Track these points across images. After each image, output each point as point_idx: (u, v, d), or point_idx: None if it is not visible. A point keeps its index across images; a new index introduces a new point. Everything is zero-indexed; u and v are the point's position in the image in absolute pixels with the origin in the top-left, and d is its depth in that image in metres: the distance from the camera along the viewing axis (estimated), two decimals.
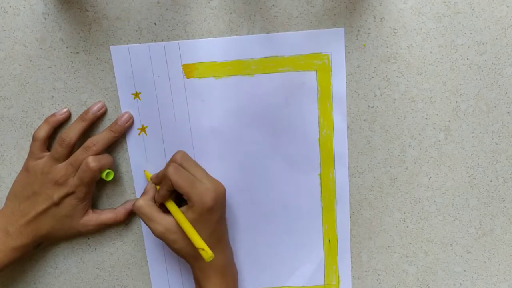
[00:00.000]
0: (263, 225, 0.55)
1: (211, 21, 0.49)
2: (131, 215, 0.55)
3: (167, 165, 0.50)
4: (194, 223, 0.49)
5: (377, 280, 0.57)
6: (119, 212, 0.54)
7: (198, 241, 0.48)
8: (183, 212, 0.49)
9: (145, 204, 0.50)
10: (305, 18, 0.49)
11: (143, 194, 0.52)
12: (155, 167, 0.54)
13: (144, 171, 0.54)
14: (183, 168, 0.50)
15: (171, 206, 0.50)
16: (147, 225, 0.50)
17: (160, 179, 0.51)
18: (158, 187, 0.51)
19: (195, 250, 0.49)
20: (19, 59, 0.51)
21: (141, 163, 0.54)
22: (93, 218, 0.53)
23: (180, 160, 0.50)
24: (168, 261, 0.56)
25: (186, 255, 0.51)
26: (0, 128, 0.53)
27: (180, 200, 0.51)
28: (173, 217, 0.50)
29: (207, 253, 0.47)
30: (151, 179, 0.52)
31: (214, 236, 0.50)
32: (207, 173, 0.52)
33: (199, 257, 0.50)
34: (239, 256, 0.56)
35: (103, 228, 0.55)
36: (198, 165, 0.52)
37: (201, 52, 0.50)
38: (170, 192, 0.50)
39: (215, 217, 0.50)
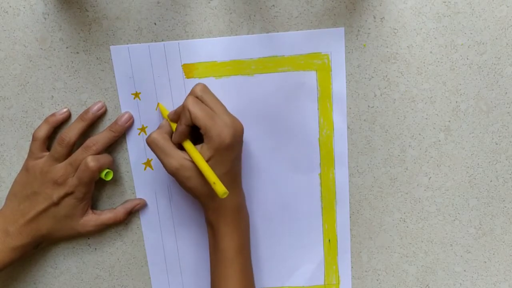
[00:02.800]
0: (263, 225, 0.55)
1: (211, 21, 0.49)
2: (131, 215, 0.55)
3: (186, 97, 0.48)
4: (209, 161, 0.47)
5: (377, 280, 0.57)
6: (119, 212, 0.54)
7: (212, 176, 0.46)
8: (198, 150, 0.47)
9: (161, 137, 0.48)
10: (305, 18, 0.49)
11: (158, 128, 0.49)
12: (155, 166, 0.54)
13: (159, 103, 0.51)
14: (202, 101, 0.48)
15: (187, 143, 0.48)
16: (160, 159, 0.48)
17: (178, 115, 0.49)
18: (174, 126, 0.49)
19: (209, 189, 0.47)
20: (19, 59, 0.51)
21: (141, 163, 0.54)
22: (92, 218, 0.53)
23: (200, 93, 0.48)
24: (168, 261, 0.56)
25: (199, 194, 0.49)
26: (0, 128, 0.53)
27: (194, 142, 0.49)
28: (188, 154, 0.47)
29: (221, 188, 0.45)
30: (168, 116, 0.50)
31: (229, 175, 0.48)
32: (226, 109, 0.49)
33: (213, 196, 0.48)
34: None
35: (103, 229, 0.55)
36: (217, 99, 0.49)
37: (201, 52, 0.50)
38: (188, 128, 0.47)
39: (231, 155, 0.48)
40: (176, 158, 0.47)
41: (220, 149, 0.46)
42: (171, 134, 0.49)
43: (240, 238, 0.50)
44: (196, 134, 0.49)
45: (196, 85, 0.49)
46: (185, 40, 0.50)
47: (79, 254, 0.57)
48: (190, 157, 0.47)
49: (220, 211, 0.49)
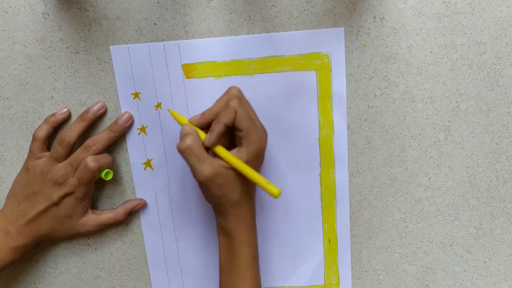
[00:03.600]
0: (263, 224, 0.55)
1: (211, 21, 0.49)
2: (131, 215, 0.55)
3: (228, 98, 0.46)
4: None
5: (377, 280, 0.57)
6: (119, 212, 0.54)
7: (261, 178, 0.45)
8: (234, 154, 0.46)
9: (195, 144, 0.45)
10: (305, 18, 0.49)
11: (186, 135, 0.46)
12: (155, 166, 0.54)
13: (170, 110, 0.49)
14: None
15: (220, 149, 0.46)
16: (194, 167, 0.45)
17: (206, 120, 0.47)
18: (199, 131, 0.47)
19: (238, 197, 0.46)
20: (19, 59, 0.51)
21: (141, 163, 0.54)
22: (92, 218, 0.53)
23: (239, 95, 0.47)
24: (168, 261, 0.56)
25: (227, 202, 0.47)
26: (0, 128, 0.53)
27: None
28: (223, 160, 0.46)
29: (275, 188, 0.44)
30: (191, 121, 0.47)
31: None
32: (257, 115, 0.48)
33: (239, 204, 0.47)
34: None
35: (103, 229, 0.55)
36: (251, 105, 0.48)
37: (201, 52, 0.50)
38: (226, 129, 0.46)
39: (261, 160, 0.48)
40: (212, 165, 0.45)
41: (257, 153, 0.46)
42: (199, 140, 0.47)
43: (256, 245, 0.50)
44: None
45: (233, 88, 0.47)
46: (185, 40, 0.50)
47: (79, 254, 0.57)
48: (225, 163, 0.46)
49: (241, 218, 0.48)
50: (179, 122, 0.48)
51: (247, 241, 0.49)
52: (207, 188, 0.46)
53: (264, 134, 0.47)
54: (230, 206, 0.47)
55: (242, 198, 0.47)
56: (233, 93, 0.47)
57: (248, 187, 0.48)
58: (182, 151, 0.46)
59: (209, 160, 0.45)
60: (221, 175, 0.45)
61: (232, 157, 0.45)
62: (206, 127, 0.47)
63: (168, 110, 0.50)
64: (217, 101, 0.47)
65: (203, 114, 0.47)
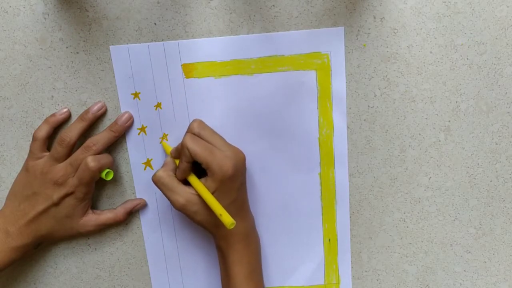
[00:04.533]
0: (263, 224, 0.55)
1: (211, 21, 0.50)
2: (131, 215, 0.55)
3: (184, 135, 0.49)
4: (215, 193, 0.48)
5: (377, 280, 0.57)
6: (119, 212, 0.54)
7: (219, 209, 0.47)
8: (203, 183, 0.48)
9: (166, 175, 0.49)
10: (305, 18, 0.49)
11: (162, 166, 0.51)
12: (155, 166, 0.54)
13: (163, 142, 0.53)
14: (201, 137, 0.49)
15: (192, 178, 0.49)
16: (167, 196, 0.49)
17: (179, 153, 0.50)
18: (177, 162, 0.50)
19: (217, 220, 0.48)
20: (19, 59, 0.51)
21: (141, 163, 0.54)
22: (92, 218, 0.53)
23: (197, 129, 0.49)
24: (168, 261, 0.56)
25: (208, 226, 0.50)
26: (0, 128, 0.53)
27: (199, 174, 0.50)
28: (194, 188, 0.49)
29: (228, 219, 0.46)
30: (170, 153, 0.51)
31: (235, 204, 0.50)
32: (225, 141, 0.51)
33: (221, 226, 0.49)
34: None
35: (103, 229, 0.55)
36: (216, 133, 0.51)
37: (201, 52, 0.50)
38: (190, 164, 0.48)
39: (235, 185, 0.49)
40: (182, 194, 0.48)
41: (224, 181, 0.47)
42: (175, 170, 0.50)
43: (250, 264, 0.51)
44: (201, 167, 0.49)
45: (193, 121, 0.50)
46: (185, 40, 0.50)
47: (79, 254, 0.57)
48: (196, 191, 0.48)
49: (229, 239, 0.50)
50: (166, 152, 0.52)
51: (239, 260, 0.50)
52: (185, 215, 0.49)
53: (228, 159, 0.48)
54: (214, 230, 0.50)
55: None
56: (191, 127, 0.50)
57: (235, 209, 0.49)
58: (154, 182, 0.49)
59: (180, 189, 0.49)
60: (193, 203, 0.48)
61: (199, 187, 0.48)
62: None
63: (162, 142, 0.53)
64: (184, 136, 0.50)
65: (176, 147, 0.51)
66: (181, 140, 0.50)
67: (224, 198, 0.48)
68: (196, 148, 0.47)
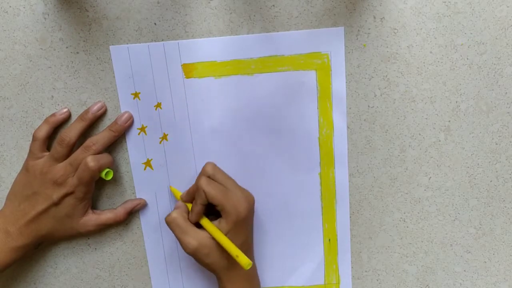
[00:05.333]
0: (263, 224, 0.55)
1: (211, 21, 0.50)
2: (131, 215, 0.55)
3: (198, 178, 0.50)
4: (228, 234, 0.49)
5: (377, 280, 0.57)
6: (119, 212, 0.54)
7: (234, 250, 0.48)
8: (216, 225, 0.49)
9: (180, 217, 0.50)
10: (305, 18, 0.49)
11: (175, 209, 0.52)
12: (155, 166, 0.54)
13: (170, 187, 0.54)
14: (214, 180, 0.50)
15: (204, 221, 0.50)
16: (180, 239, 0.50)
17: (191, 196, 0.51)
18: (189, 205, 0.52)
19: (227, 262, 0.50)
20: (19, 59, 0.51)
21: (140, 163, 0.54)
22: (92, 218, 0.53)
23: (211, 171, 0.51)
24: (168, 261, 0.56)
25: (217, 268, 0.50)
26: (0, 128, 0.53)
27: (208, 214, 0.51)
28: (206, 231, 0.50)
29: (245, 260, 0.47)
30: (181, 197, 0.52)
31: (245, 245, 0.51)
32: (236, 183, 0.52)
33: (230, 268, 0.50)
34: None
35: (103, 229, 0.55)
36: (228, 176, 0.52)
37: (201, 52, 0.50)
38: (204, 207, 0.50)
39: (247, 226, 0.51)
40: (195, 237, 0.49)
41: (237, 222, 0.49)
42: (188, 213, 0.51)
43: None
44: (211, 208, 0.50)
45: (206, 164, 0.51)
46: (185, 40, 0.50)
47: (79, 254, 0.57)
48: (208, 234, 0.49)
49: (236, 281, 0.51)
50: (175, 197, 0.53)
51: None
52: (195, 258, 0.50)
53: (240, 201, 0.49)
54: (222, 272, 0.51)
55: (234, 262, 0.50)
56: (205, 170, 0.51)
57: (245, 250, 0.50)
58: (168, 223, 0.50)
59: (193, 232, 0.50)
60: (205, 246, 0.49)
61: (213, 229, 0.49)
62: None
63: (169, 186, 0.54)
64: (197, 178, 0.51)
65: (188, 191, 0.52)
66: (193, 182, 0.52)
67: (236, 239, 0.49)
68: (212, 190, 0.49)
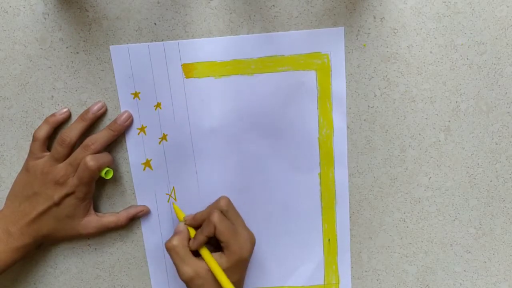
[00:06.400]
0: (263, 225, 0.55)
1: (211, 21, 0.50)
2: (132, 220, 0.55)
3: (212, 211, 0.50)
4: (225, 270, 0.49)
5: (377, 280, 0.57)
6: (121, 216, 0.53)
7: (229, 286, 0.48)
8: (216, 259, 0.49)
9: (180, 245, 0.50)
10: (305, 18, 0.49)
11: (176, 234, 0.51)
12: (154, 166, 0.54)
13: (174, 205, 0.54)
14: (226, 216, 0.51)
15: (204, 251, 0.50)
16: (177, 266, 0.50)
17: (197, 222, 0.51)
18: (190, 230, 0.52)
19: None
20: (19, 59, 0.51)
21: (140, 163, 0.54)
22: (94, 219, 0.53)
23: (225, 207, 0.51)
24: (168, 261, 0.56)
25: None
26: (0, 128, 0.53)
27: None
28: (204, 261, 0.50)
29: None
30: (184, 220, 0.52)
31: (238, 284, 0.51)
32: (244, 223, 0.52)
33: None
34: None
35: (104, 232, 0.54)
36: (238, 214, 0.52)
37: (201, 52, 0.50)
38: (208, 238, 0.50)
39: (245, 266, 0.51)
40: (192, 266, 0.49)
41: (238, 262, 0.50)
42: (188, 239, 0.51)
43: None
44: (211, 238, 0.50)
45: (221, 198, 0.52)
46: (185, 40, 0.50)
47: (79, 254, 0.57)
48: (205, 265, 0.49)
49: None
50: (178, 217, 0.53)
51: None
52: (188, 287, 0.50)
53: (246, 242, 0.50)
54: None
55: None
56: (219, 205, 0.51)
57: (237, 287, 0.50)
58: (168, 249, 0.50)
59: (191, 261, 0.50)
60: (200, 276, 0.49)
61: (212, 262, 0.49)
62: (198, 226, 0.51)
63: (173, 204, 0.54)
64: (209, 206, 0.52)
65: (195, 216, 0.52)
66: (202, 209, 0.52)
67: (232, 276, 0.49)
68: (223, 227, 0.49)
